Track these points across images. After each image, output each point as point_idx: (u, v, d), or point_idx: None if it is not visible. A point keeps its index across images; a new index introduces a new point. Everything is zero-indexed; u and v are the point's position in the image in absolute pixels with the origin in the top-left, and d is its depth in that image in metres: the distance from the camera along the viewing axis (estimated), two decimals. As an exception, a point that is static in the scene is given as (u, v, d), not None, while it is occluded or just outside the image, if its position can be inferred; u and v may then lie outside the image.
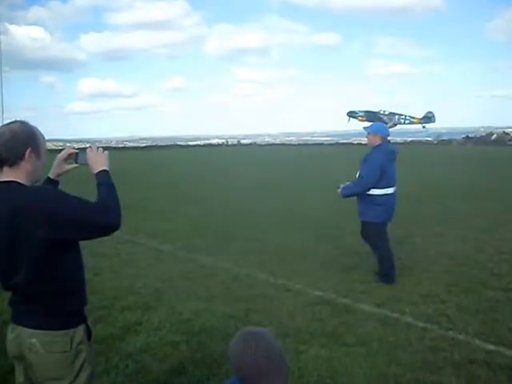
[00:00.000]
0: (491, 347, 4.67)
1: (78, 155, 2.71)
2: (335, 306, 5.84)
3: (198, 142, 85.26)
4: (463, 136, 66.24)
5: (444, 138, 69.49)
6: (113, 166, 2.66)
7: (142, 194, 16.08)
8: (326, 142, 69.64)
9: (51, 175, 2.77)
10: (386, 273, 6.69)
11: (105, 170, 2.56)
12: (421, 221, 10.96)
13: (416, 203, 13.09)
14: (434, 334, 5.00)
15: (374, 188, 6.53)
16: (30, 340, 2.37)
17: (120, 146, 72.51)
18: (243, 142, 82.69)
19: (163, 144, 73.81)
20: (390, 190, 6.61)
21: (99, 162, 2.57)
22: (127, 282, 6.85)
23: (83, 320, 2.52)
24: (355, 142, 60.69)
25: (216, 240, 9.55)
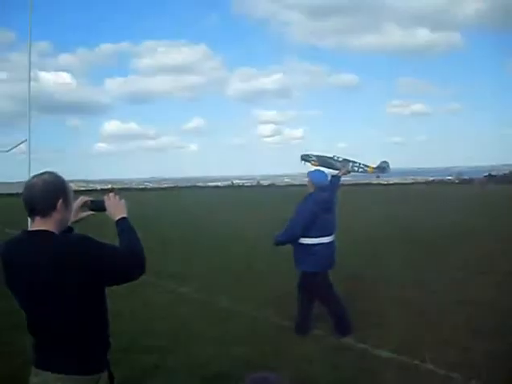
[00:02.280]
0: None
1: (92, 203, 2.82)
2: (353, 352, 5.77)
3: (218, 183, 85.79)
4: (485, 174, 65.75)
5: (465, 177, 69.17)
6: (133, 207, 2.75)
7: (161, 235, 16.16)
8: (346, 183, 69.60)
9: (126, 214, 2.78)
10: (341, 320, 6.39)
11: (124, 218, 2.66)
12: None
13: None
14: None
15: (305, 237, 6.28)
16: None
17: (141, 186, 73.30)
18: (262, 182, 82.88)
19: (183, 185, 74.41)
20: (324, 240, 6.31)
21: (118, 210, 2.69)
22: (145, 324, 6.86)
23: (107, 365, 2.57)
24: (374, 182, 60.98)
25: (235, 282, 9.53)
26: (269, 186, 76.44)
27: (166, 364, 5.45)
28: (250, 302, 7.93)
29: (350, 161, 8.76)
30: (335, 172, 7.76)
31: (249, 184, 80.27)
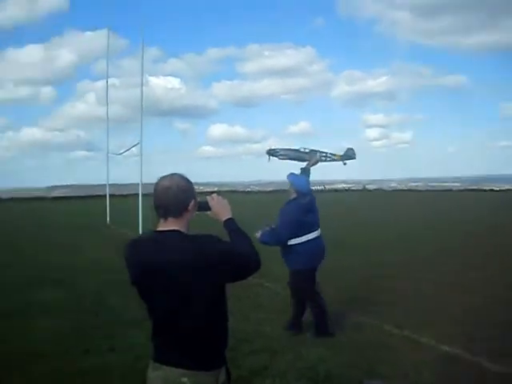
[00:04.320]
0: None
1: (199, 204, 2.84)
2: (465, 364, 5.60)
3: (322, 187, 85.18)
4: None
5: None
6: (237, 209, 2.84)
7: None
8: (454, 188, 67.17)
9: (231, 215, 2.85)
10: (321, 323, 6.56)
11: (231, 218, 2.76)
12: None
13: None
14: None
15: (291, 238, 6.39)
16: (180, 379, 2.47)
17: (247, 190, 74.48)
18: (369, 187, 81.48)
19: (286, 188, 74.44)
20: (311, 236, 6.47)
21: (224, 211, 2.78)
22: (256, 325, 7.04)
23: (225, 361, 2.66)
24: (487, 189, 57.78)
25: (345, 289, 9.45)
26: (375, 190, 75.07)
27: (276, 365, 5.57)
28: (356, 308, 7.90)
29: (317, 151, 8.57)
30: (304, 164, 7.74)
31: (355, 188, 79.12)
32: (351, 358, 5.73)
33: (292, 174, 6.90)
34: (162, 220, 2.61)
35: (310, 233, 6.50)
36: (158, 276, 2.50)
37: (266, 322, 7.24)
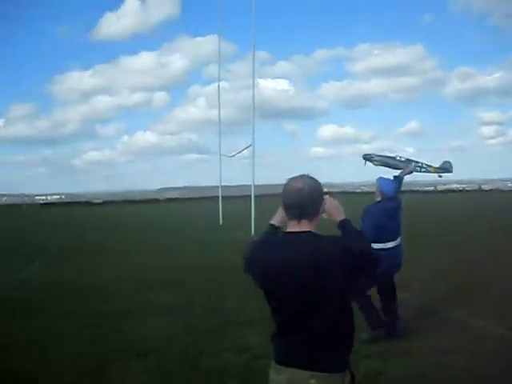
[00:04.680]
0: None
1: None
2: None
3: (436, 188, 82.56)
4: None
5: None
6: (348, 210, 2.82)
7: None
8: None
9: (276, 222, 2.83)
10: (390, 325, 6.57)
11: (346, 219, 2.73)
12: None
13: None
14: None
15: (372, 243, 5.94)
16: (309, 382, 2.46)
17: (358, 190, 73.67)
18: (484, 187, 77.67)
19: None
20: (389, 245, 6.38)
21: (339, 212, 2.75)
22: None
23: (349, 363, 2.63)
24: None
25: (463, 291, 9.08)
26: (491, 190, 71.52)
27: (391, 371, 5.47)
28: (480, 314, 7.52)
29: (412, 161, 8.19)
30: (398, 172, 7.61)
31: (469, 189, 75.80)
32: (471, 368, 5.49)
33: (381, 177, 6.94)
34: (294, 221, 2.61)
35: (388, 241, 6.43)
36: (288, 277, 2.51)
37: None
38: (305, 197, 2.55)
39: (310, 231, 2.58)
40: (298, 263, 2.49)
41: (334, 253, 2.48)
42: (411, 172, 8.19)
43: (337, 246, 2.52)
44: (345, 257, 2.49)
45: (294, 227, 2.61)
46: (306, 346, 2.52)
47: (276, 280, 2.56)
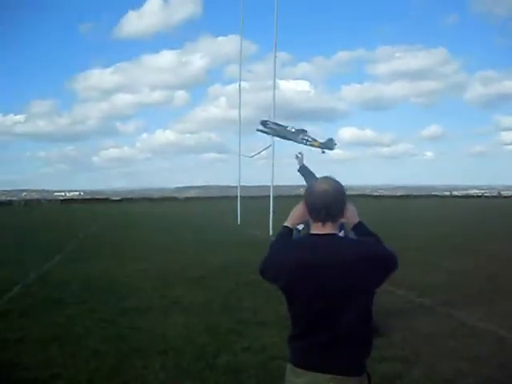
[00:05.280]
0: None
1: None
2: None
3: (456, 193, 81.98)
4: None
5: None
6: (367, 214, 2.83)
7: (396, 244, 15.93)
8: None
9: (290, 224, 2.83)
10: None
11: (361, 222, 2.75)
12: None
13: None
14: None
15: None
16: None
17: (375, 194, 73.43)
18: (504, 193, 76.87)
19: (418, 194, 72.79)
20: None
21: (353, 216, 2.74)
22: (386, 333, 6.91)
23: (366, 366, 2.61)
24: None
25: (479, 297, 9.03)
26: (510, 197, 70.74)
27: (409, 376, 5.42)
28: (495, 320, 7.45)
29: (301, 131, 7.67)
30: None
31: (488, 194, 75.13)
32: (492, 375, 5.43)
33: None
34: (319, 223, 2.59)
35: None
36: (313, 279, 2.50)
37: (396, 330, 7.02)
38: (330, 198, 2.54)
39: (334, 234, 2.58)
40: (323, 265, 2.48)
41: (360, 255, 2.47)
42: (302, 155, 6.77)
43: (362, 249, 2.52)
44: (371, 259, 2.48)
45: (318, 229, 2.59)
46: (325, 349, 2.50)
47: (300, 282, 2.53)
